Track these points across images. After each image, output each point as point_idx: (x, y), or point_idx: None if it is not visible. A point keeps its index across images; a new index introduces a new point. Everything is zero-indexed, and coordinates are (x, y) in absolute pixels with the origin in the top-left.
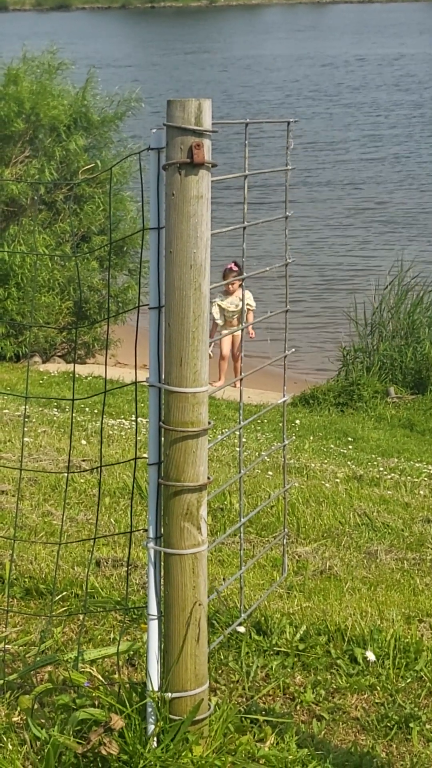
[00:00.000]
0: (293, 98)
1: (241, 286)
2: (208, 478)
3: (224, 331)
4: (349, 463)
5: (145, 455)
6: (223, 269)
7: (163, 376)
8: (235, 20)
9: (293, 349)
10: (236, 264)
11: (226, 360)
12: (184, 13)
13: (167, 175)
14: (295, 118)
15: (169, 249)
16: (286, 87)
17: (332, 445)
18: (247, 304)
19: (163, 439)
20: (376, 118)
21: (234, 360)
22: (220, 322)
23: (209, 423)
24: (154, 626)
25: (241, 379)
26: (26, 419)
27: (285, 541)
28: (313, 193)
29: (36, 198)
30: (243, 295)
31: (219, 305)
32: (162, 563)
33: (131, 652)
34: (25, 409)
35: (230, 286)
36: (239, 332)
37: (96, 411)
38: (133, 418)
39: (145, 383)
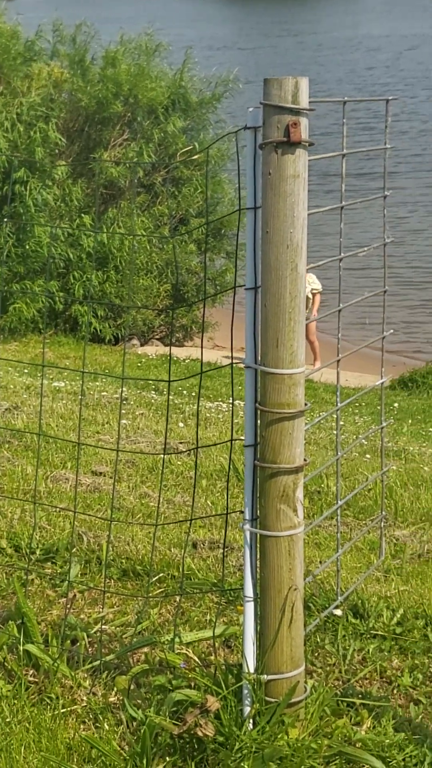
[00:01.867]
0: (397, 80)
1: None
2: (305, 460)
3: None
4: None
5: (242, 437)
6: None
7: (260, 358)
8: (334, 6)
9: (391, 330)
10: None
11: (314, 342)
12: None
13: (264, 154)
14: (394, 96)
15: (265, 229)
16: (390, 68)
17: (431, 429)
18: (312, 288)
19: (259, 421)
20: None
21: (310, 343)
22: None
23: (306, 405)
24: (250, 608)
25: (338, 361)
26: (125, 402)
27: (382, 524)
28: (408, 177)
29: (134, 180)
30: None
31: None
32: (258, 545)
33: (226, 635)
34: (122, 391)
35: None
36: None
37: (194, 394)
38: (231, 401)
39: (241, 365)
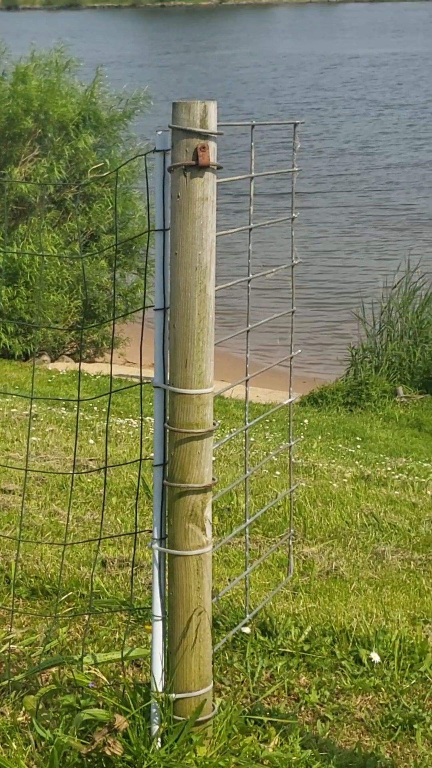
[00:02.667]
0: (302, 99)
1: None
2: (213, 479)
3: None
4: (356, 462)
5: (152, 455)
6: None
7: (168, 378)
8: (244, 19)
9: (299, 350)
10: None
11: None
12: (194, 12)
13: (173, 177)
14: (302, 120)
15: (174, 251)
16: (296, 87)
17: (340, 445)
18: None
19: (168, 440)
20: (385, 119)
21: None
22: None
23: (214, 424)
24: (158, 627)
25: (246, 380)
26: (35, 418)
27: (291, 541)
28: (322, 196)
29: (45, 197)
30: None
31: None
32: (167, 564)
33: (136, 656)
34: (31, 408)
35: None
36: None
37: (104, 410)
38: (141, 418)
39: (151, 382)
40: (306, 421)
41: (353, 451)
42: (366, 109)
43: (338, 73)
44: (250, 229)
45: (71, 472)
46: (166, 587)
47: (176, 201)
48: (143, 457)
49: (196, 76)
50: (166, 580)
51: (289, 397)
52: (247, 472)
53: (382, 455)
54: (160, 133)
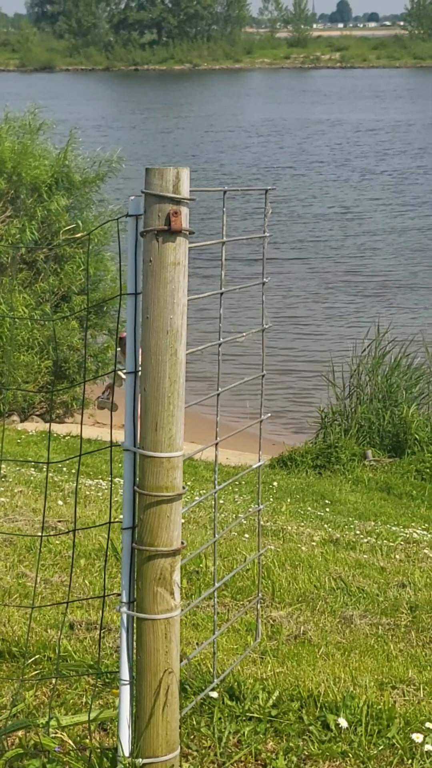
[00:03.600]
0: (274, 164)
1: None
2: (182, 543)
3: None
4: (325, 526)
5: (121, 518)
6: (117, 338)
7: (139, 441)
8: (217, 84)
9: (269, 414)
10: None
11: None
12: (167, 76)
13: (145, 241)
14: (272, 186)
15: (146, 314)
16: (267, 152)
17: (309, 508)
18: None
19: (137, 503)
20: (367, 184)
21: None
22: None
23: (184, 488)
24: (125, 691)
25: (216, 444)
26: (3, 479)
27: (259, 605)
28: (301, 262)
29: (16, 257)
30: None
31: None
32: (135, 628)
33: (102, 718)
34: (0, 469)
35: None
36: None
37: (73, 471)
38: (110, 480)
39: (120, 447)
40: (275, 483)
41: (322, 514)
42: (348, 174)
43: (318, 137)
44: (221, 294)
45: (40, 534)
46: (134, 651)
47: (148, 265)
48: (112, 520)
49: (170, 139)
50: (134, 643)
51: (259, 461)
52: (216, 535)
53: (350, 518)
54: (132, 198)
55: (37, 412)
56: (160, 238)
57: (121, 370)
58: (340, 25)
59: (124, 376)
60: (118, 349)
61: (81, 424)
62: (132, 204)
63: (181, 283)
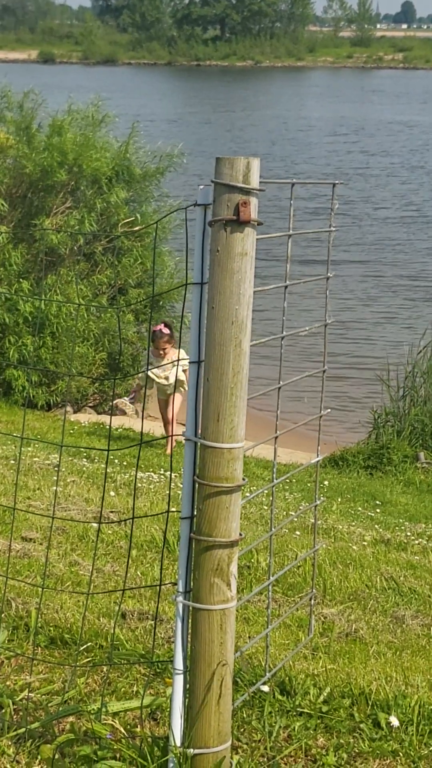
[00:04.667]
0: (343, 164)
1: (173, 347)
2: (240, 534)
3: (160, 397)
4: (376, 526)
5: (173, 509)
6: (152, 331)
7: (200, 431)
8: (280, 81)
9: (329, 410)
10: (166, 325)
11: (170, 424)
12: (230, 72)
13: (213, 231)
14: (341, 181)
15: (211, 304)
16: (337, 152)
17: (360, 508)
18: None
19: (196, 493)
20: (419, 183)
21: (166, 423)
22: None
23: (243, 479)
24: (179, 681)
25: (276, 437)
26: (56, 468)
27: (312, 601)
28: (354, 265)
29: (75, 249)
30: (179, 356)
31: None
32: (190, 618)
33: (154, 707)
34: (60, 457)
35: (160, 350)
36: (176, 399)
37: (125, 463)
38: (162, 472)
39: (182, 437)
40: (326, 482)
41: (373, 514)
42: (419, 177)
43: (385, 138)
44: (286, 287)
45: (97, 522)
46: (188, 641)
47: (215, 255)
48: (169, 510)
49: (234, 135)
50: (189, 634)
51: (317, 456)
52: (272, 530)
53: (401, 520)
54: (201, 187)
55: (90, 404)
56: (228, 228)
57: (153, 369)
58: (404, 26)
59: (154, 377)
60: (151, 347)
61: (142, 416)
62: (201, 193)
63: (247, 273)
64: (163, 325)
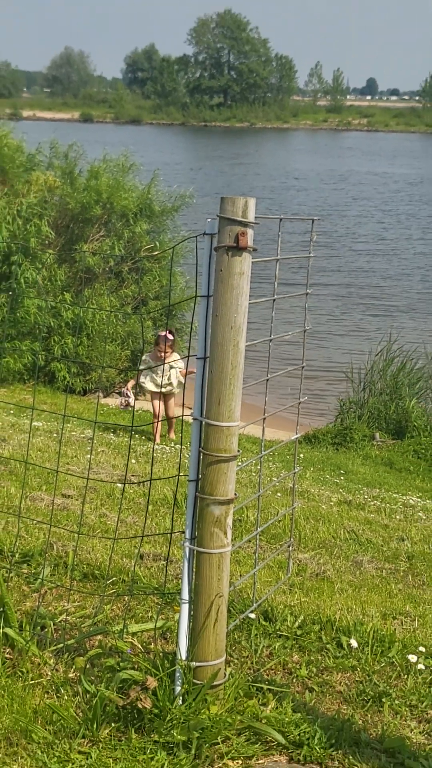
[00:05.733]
0: (322, 202)
1: (172, 351)
2: (235, 494)
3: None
4: (340, 490)
5: (184, 474)
6: (156, 336)
7: (204, 412)
8: (270, 139)
9: (305, 398)
10: (170, 332)
11: (169, 418)
12: (231, 131)
13: (217, 255)
14: (318, 217)
15: (215, 313)
16: (317, 195)
17: (328, 476)
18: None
19: (201, 461)
20: (381, 221)
21: (169, 422)
22: (150, 388)
23: (238, 451)
24: (185, 608)
25: (264, 419)
26: (89, 440)
27: (290, 548)
28: (327, 287)
29: (107, 268)
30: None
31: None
32: (194, 559)
33: (164, 628)
34: (94, 432)
35: (161, 352)
36: (171, 399)
37: (144, 437)
38: (172, 445)
39: (189, 417)
40: (301, 455)
41: (338, 481)
42: (387, 217)
43: (361, 186)
44: (274, 300)
45: (121, 483)
46: (192, 577)
47: (219, 274)
48: (179, 474)
49: (234, 181)
50: (193, 571)
51: (296, 434)
52: (260, 491)
53: (360, 486)
54: (209, 220)
55: (116, 391)
56: (229, 253)
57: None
58: (368, 97)
59: (154, 386)
60: (153, 349)
61: (160, 400)
62: (208, 225)
63: (244, 289)
64: (168, 331)
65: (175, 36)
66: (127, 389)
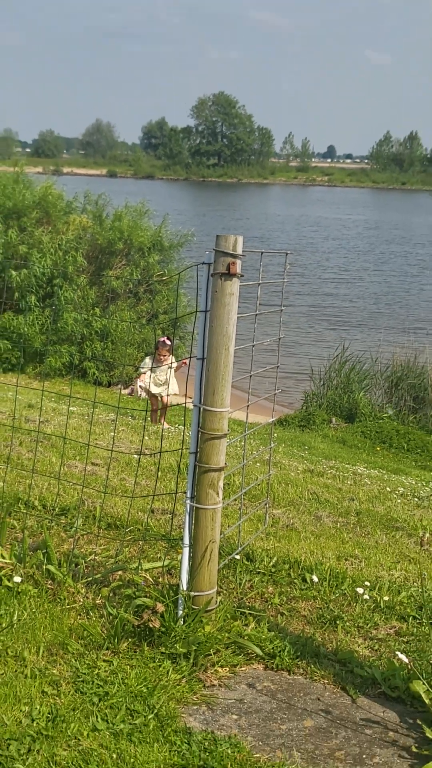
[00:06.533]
0: (299, 240)
1: (169, 354)
2: (225, 463)
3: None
4: (305, 461)
5: (187, 447)
6: (156, 341)
7: (202, 400)
8: (254, 192)
9: (280, 390)
10: (168, 338)
11: (156, 413)
12: (223, 185)
13: (213, 279)
14: (291, 251)
15: (211, 324)
16: (294, 234)
17: (295, 450)
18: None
19: (199, 438)
20: (345, 256)
21: (153, 410)
22: (154, 390)
23: (228, 430)
24: (186, 551)
25: (248, 406)
26: (111, 421)
27: (266, 506)
28: (303, 303)
29: (127, 290)
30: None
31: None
32: (194, 513)
33: (170, 566)
34: (117, 416)
35: (161, 355)
36: (166, 397)
37: (148, 421)
38: (177, 425)
39: (191, 404)
40: (276, 435)
41: (303, 454)
42: (352, 254)
43: (329, 228)
44: (256, 315)
45: (138, 454)
46: (192, 527)
47: (214, 294)
48: (182, 448)
49: (226, 223)
50: (192, 522)
51: (272, 418)
52: (244, 461)
53: (320, 458)
54: (207, 252)
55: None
56: (222, 278)
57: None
58: (329, 160)
59: (154, 386)
60: (154, 352)
61: (167, 393)
62: (206, 256)
63: (233, 306)
64: (166, 338)
65: (180, 109)
66: (141, 380)
